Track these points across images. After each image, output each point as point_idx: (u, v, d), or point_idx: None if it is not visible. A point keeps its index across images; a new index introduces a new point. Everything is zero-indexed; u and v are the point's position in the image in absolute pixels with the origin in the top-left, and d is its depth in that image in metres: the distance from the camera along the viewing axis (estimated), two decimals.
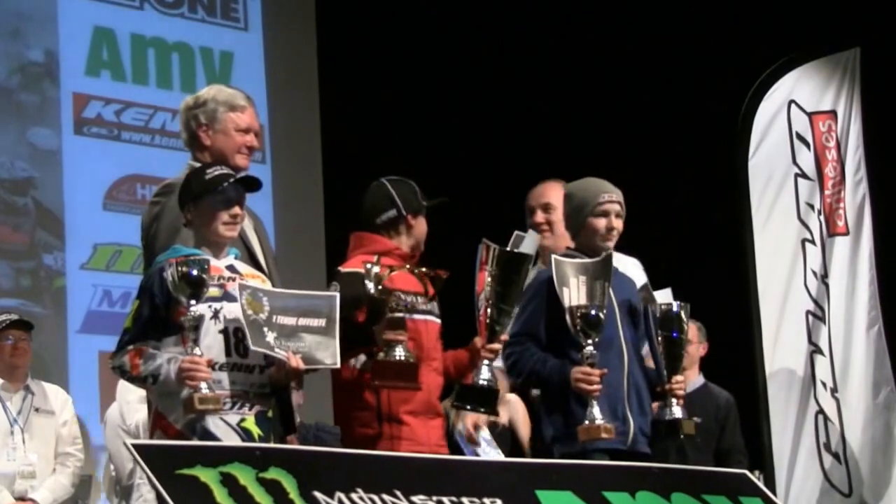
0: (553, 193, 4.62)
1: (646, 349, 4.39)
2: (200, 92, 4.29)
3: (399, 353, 3.80)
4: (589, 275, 4.20)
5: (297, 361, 3.66)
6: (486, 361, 3.98)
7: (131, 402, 5.60)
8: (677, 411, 4.27)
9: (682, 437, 4.28)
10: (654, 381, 4.32)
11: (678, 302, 4.31)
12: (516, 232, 4.25)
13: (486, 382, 3.97)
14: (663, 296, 4.36)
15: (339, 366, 3.74)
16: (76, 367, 6.92)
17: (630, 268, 4.57)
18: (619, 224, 4.33)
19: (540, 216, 4.65)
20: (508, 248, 4.08)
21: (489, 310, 3.97)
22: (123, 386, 5.65)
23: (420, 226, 4.09)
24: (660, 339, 4.26)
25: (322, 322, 3.72)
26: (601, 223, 4.30)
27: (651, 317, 4.28)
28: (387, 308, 3.80)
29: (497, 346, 4.00)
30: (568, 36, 8.17)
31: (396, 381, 3.82)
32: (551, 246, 4.51)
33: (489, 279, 3.97)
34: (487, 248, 4.01)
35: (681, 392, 4.28)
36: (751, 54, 7.08)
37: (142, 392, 5.53)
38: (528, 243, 4.15)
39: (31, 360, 6.05)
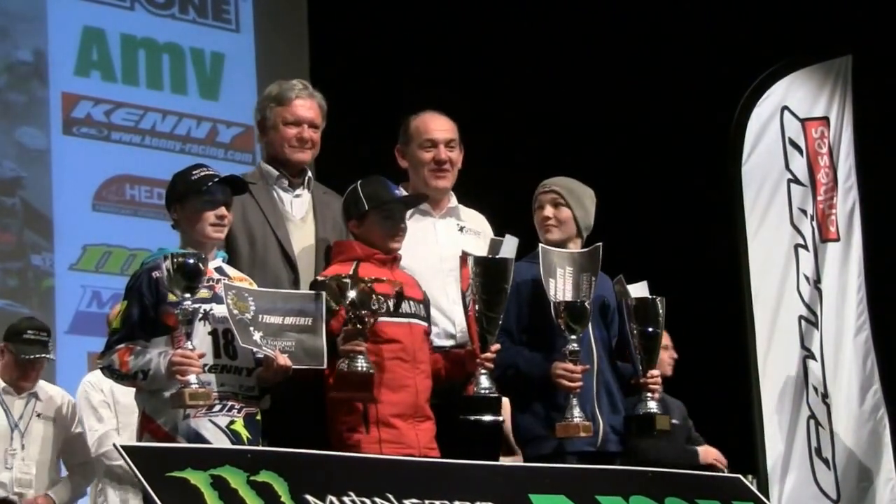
0: (452, 127, 4.34)
1: None
2: (266, 89, 4.29)
3: (360, 364, 3.76)
4: (576, 266, 4.18)
5: (284, 360, 3.65)
6: (483, 371, 3.95)
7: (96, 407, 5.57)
8: (652, 406, 4.21)
9: (655, 432, 4.21)
10: (627, 376, 4.28)
11: (654, 295, 4.24)
12: (492, 238, 4.17)
13: (487, 391, 3.95)
14: (639, 289, 4.29)
15: (325, 366, 3.72)
16: (64, 368, 6.85)
17: (479, 221, 4.44)
18: (558, 213, 4.31)
19: (443, 152, 4.29)
20: (488, 255, 4.02)
21: (477, 318, 3.95)
22: (83, 389, 5.59)
23: (364, 229, 4.00)
24: (635, 332, 4.20)
25: (308, 321, 3.71)
26: (539, 216, 4.34)
27: (626, 310, 4.24)
28: (350, 319, 3.76)
29: (491, 354, 3.97)
30: (560, 40, 8.17)
31: (353, 392, 3.78)
32: (447, 188, 4.32)
33: (473, 289, 3.95)
34: (466, 258, 3.99)
35: (655, 387, 4.22)
36: (744, 60, 7.07)
37: (102, 397, 5.51)
38: (507, 247, 4.03)
39: None
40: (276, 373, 3.67)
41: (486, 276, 3.95)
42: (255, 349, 3.65)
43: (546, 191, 4.35)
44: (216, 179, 3.76)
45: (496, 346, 3.98)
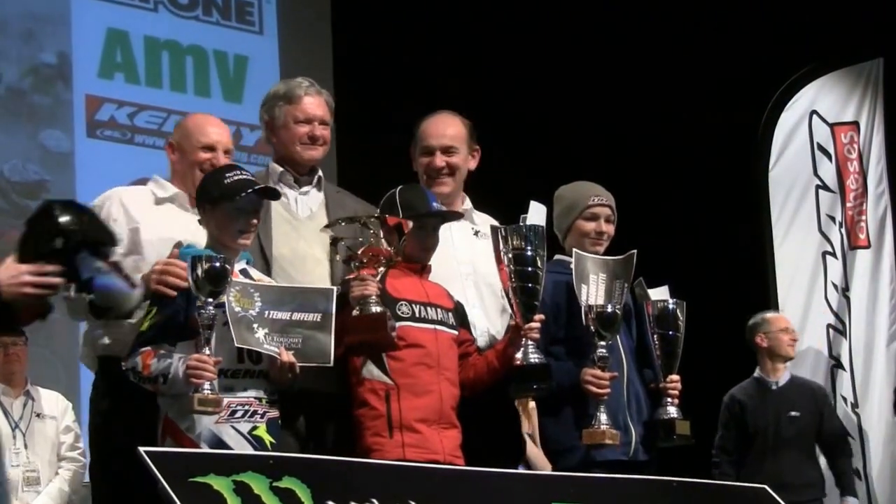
0: (454, 132, 4.31)
1: None
2: (272, 88, 4.26)
3: (372, 306, 3.73)
4: (609, 273, 4.16)
5: (288, 357, 3.62)
6: (530, 342, 3.93)
7: None
8: (672, 411, 4.19)
9: (674, 437, 4.18)
10: (650, 381, 4.26)
11: (674, 299, 4.22)
12: (522, 216, 4.12)
13: (536, 360, 3.93)
14: (660, 293, 4.27)
15: (331, 364, 3.68)
16: (88, 372, 6.86)
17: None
18: (609, 228, 4.29)
19: (440, 160, 4.27)
20: (520, 225, 4.02)
21: (518, 291, 3.92)
22: None
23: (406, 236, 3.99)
24: (656, 336, 4.18)
25: (317, 317, 3.67)
26: (590, 226, 4.27)
27: (646, 314, 4.21)
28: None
29: (536, 324, 3.94)
30: (585, 42, 8.13)
31: (367, 334, 3.73)
32: (451, 193, 4.28)
33: (510, 263, 3.93)
34: (498, 231, 3.98)
35: (675, 392, 4.19)
36: (772, 63, 7.02)
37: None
38: (535, 214, 4.02)
39: (43, 365, 6.02)
40: (282, 371, 3.64)
41: (521, 247, 3.93)
42: (254, 349, 3.61)
43: (604, 203, 4.30)
44: (249, 190, 3.72)
45: (540, 316, 3.95)
